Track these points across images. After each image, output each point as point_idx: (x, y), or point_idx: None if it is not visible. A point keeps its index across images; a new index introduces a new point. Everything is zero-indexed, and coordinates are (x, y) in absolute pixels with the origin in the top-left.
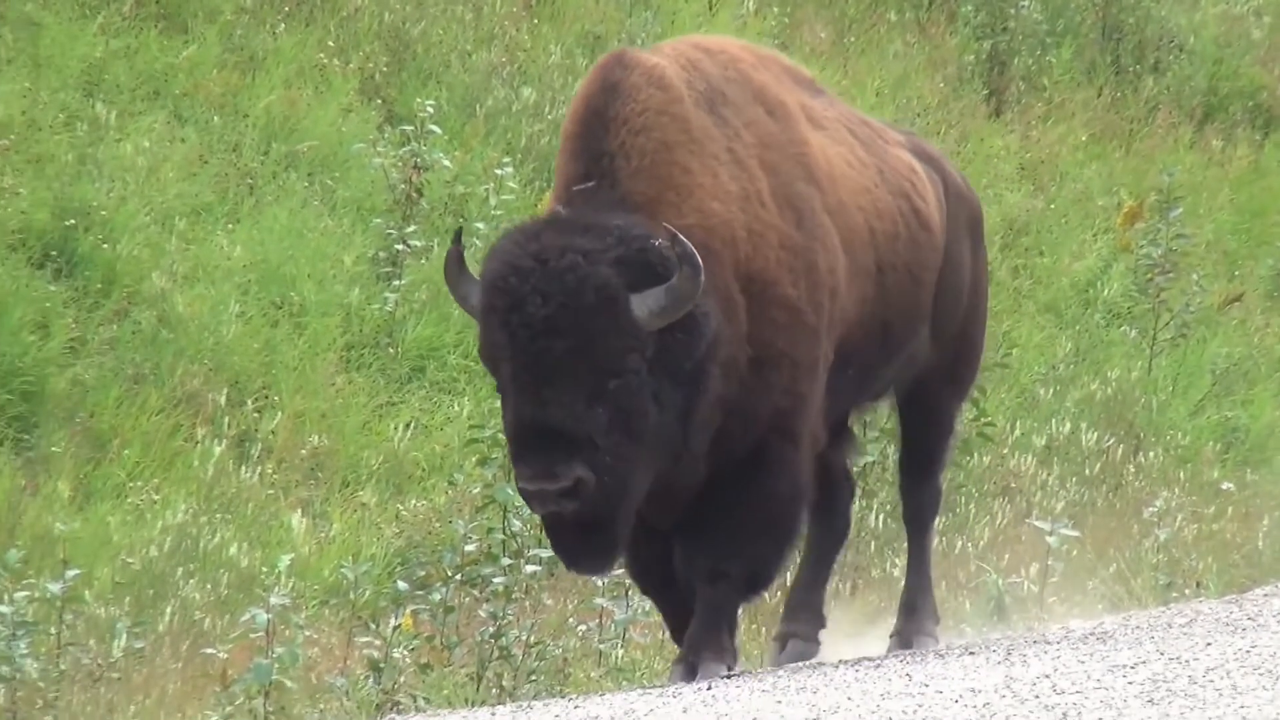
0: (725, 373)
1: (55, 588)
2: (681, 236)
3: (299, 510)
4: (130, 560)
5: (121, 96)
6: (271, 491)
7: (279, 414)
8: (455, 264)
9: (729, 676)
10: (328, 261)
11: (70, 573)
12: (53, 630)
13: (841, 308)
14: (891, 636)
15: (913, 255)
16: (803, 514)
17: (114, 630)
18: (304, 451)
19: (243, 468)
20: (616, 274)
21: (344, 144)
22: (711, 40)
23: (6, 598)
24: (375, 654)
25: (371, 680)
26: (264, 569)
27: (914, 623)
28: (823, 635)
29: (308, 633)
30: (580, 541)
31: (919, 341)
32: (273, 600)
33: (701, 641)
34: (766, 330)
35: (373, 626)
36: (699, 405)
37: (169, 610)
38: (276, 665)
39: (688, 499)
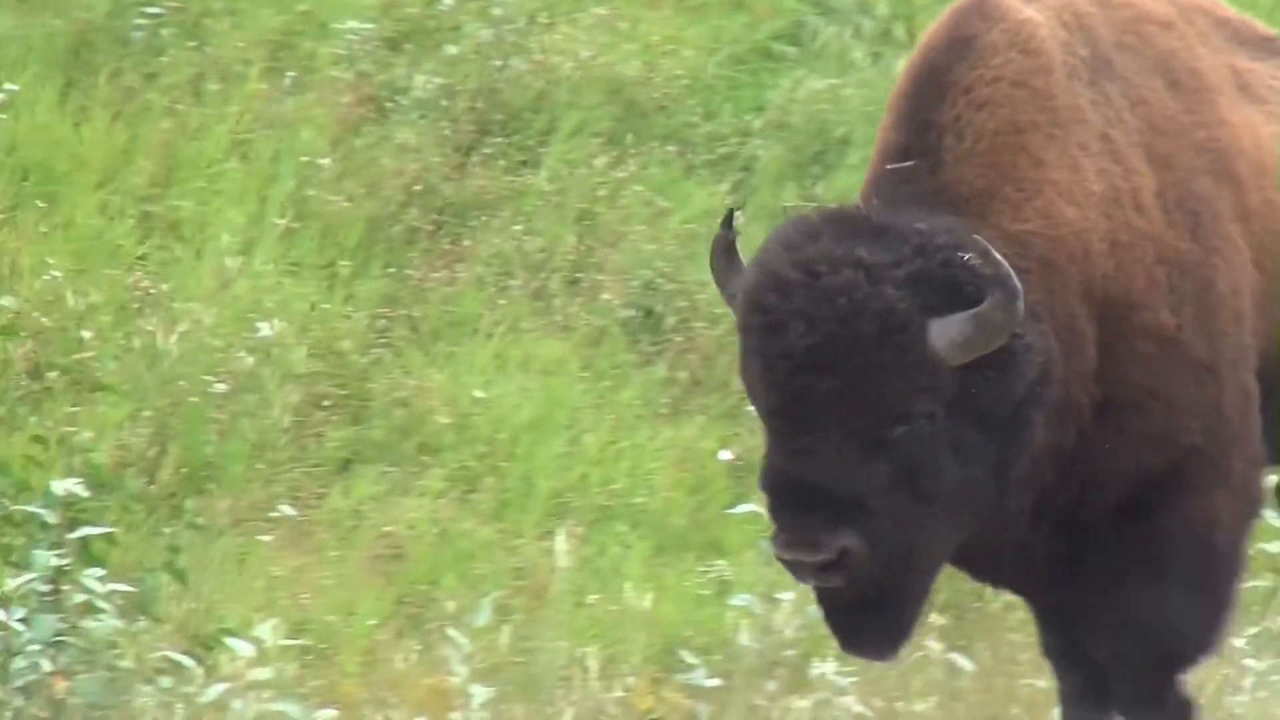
0: (1058, 419)
1: None
2: (995, 254)
3: None
4: None
5: None
6: None
7: None
8: (724, 252)
9: None
10: None
11: None
12: None
13: (1253, 331)
14: None
15: None
16: (1233, 576)
17: None
18: None
19: None
20: (908, 295)
21: None
22: None
23: None
24: None
25: None
26: None
27: None
28: None
29: None
30: (856, 621)
31: None
32: None
33: None
34: (1124, 366)
35: None
36: (1016, 459)
37: None
38: None
39: (1024, 569)
